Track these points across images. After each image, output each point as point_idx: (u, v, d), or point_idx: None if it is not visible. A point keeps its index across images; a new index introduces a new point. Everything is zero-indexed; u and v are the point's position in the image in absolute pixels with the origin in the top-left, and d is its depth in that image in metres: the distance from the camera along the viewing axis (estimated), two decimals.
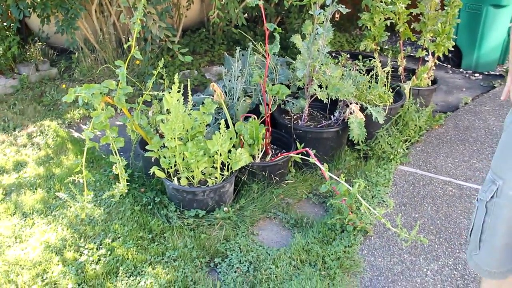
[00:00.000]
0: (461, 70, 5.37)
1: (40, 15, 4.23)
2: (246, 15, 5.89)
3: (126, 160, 3.15)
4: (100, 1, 4.76)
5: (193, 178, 2.62)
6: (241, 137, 2.80)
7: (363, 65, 3.55)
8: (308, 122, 3.25)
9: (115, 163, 2.27)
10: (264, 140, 2.88)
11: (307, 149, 2.70)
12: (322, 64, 2.83)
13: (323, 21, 2.84)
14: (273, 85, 3.24)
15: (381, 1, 3.60)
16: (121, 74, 2.25)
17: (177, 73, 4.63)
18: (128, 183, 2.79)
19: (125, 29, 5.07)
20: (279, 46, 2.79)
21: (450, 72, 5.34)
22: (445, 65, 5.48)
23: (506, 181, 1.45)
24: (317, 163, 2.60)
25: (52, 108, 4.25)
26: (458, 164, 3.34)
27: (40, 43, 5.22)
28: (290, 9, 5.04)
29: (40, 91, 4.55)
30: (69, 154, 3.44)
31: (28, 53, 4.97)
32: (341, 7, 2.71)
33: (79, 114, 4.10)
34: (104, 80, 4.60)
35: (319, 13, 2.73)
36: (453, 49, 3.92)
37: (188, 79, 4.61)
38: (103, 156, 3.34)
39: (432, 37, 3.81)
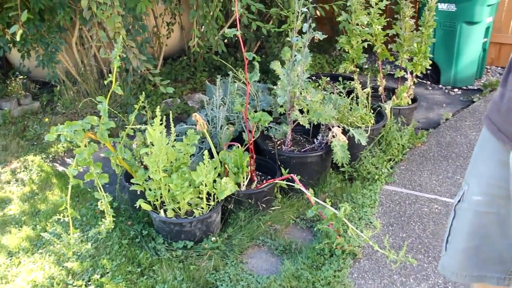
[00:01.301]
0: (440, 86, 5.45)
1: (21, 50, 4.24)
2: (226, 40, 5.95)
3: (111, 194, 3.16)
4: (81, 33, 4.79)
5: (180, 210, 2.61)
6: (226, 166, 2.80)
7: (343, 87, 3.60)
8: (292, 147, 3.27)
9: (100, 199, 2.26)
10: (249, 167, 2.89)
11: (292, 175, 2.72)
12: (302, 90, 2.86)
13: (301, 47, 2.88)
14: (255, 111, 3.27)
15: (357, 24, 3.66)
16: (102, 110, 2.26)
17: (159, 103, 4.69)
18: (114, 217, 2.78)
19: (106, 60, 5.09)
20: (259, 73, 2.83)
21: (430, 88, 5.43)
22: (425, 81, 5.56)
23: (470, 187, 1.53)
24: (303, 188, 2.61)
25: (35, 143, 4.22)
26: (442, 181, 3.37)
27: (21, 77, 5.21)
28: (269, 34, 5.11)
29: (22, 126, 4.53)
30: (54, 189, 3.41)
31: (9, 87, 4.95)
32: (318, 33, 2.75)
33: (63, 147, 4.08)
34: (87, 112, 4.63)
35: (297, 40, 2.78)
36: (430, 67, 3.99)
37: (171, 108, 4.68)
38: (89, 189, 3.32)
39: (409, 56, 3.89)
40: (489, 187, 1.46)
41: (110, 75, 2.32)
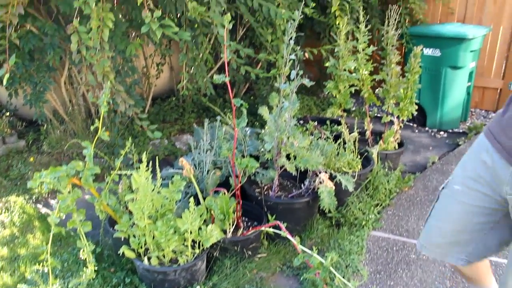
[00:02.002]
0: (426, 128, 5.51)
1: (8, 88, 4.22)
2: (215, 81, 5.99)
3: (95, 239, 3.10)
4: (70, 73, 4.79)
5: (164, 257, 2.56)
6: (212, 212, 2.77)
7: (330, 132, 3.61)
8: (279, 193, 3.25)
9: (82, 247, 2.21)
10: (235, 213, 2.86)
11: (278, 222, 2.69)
12: (289, 136, 2.87)
13: (289, 93, 2.90)
14: (242, 156, 3.26)
15: (345, 70, 3.72)
16: (88, 155, 2.24)
17: (147, 144, 4.67)
18: (97, 263, 2.72)
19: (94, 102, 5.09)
20: (248, 115, 2.84)
21: (416, 131, 5.48)
22: (411, 124, 5.62)
23: (454, 177, 1.79)
24: (289, 236, 2.58)
25: (19, 183, 4.16)
26: None
27: (7, 115, 5.17)
28: (258, 77, 5.17)
29: (6, 165, 4.46)
30: (36, 232, 3.34)
31: None
32: (306, 80, 2.78)
33: (51, 188, 4.02)
34: (74, 152, 4.58)
35: (285, 87, 2.80)
36: (416, 110, 4.03)
37: (159, 149, 4.66)
38: (72, 234, 3.25)
39: (395, 102, 3.94)
40: (468, 181, 1.70)
41: (97, 120, 2.31)
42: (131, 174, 2.45)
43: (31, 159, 4.52)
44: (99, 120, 2.38)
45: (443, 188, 1.85)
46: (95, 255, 2.92)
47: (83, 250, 2.20)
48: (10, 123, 5.09)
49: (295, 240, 2.57)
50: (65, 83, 4.79)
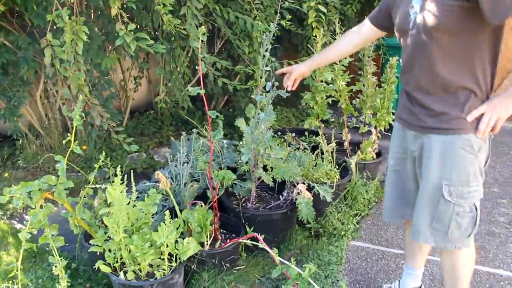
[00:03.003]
0: None
1: None
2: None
3: (71, 254, 3.05)
4: (46, 86, 4.73)
5: (141, 271, 2.52)
6: (189, 225, 2.74)
7: (308, 143, 3.62)
8: (257, 204, 3.24)
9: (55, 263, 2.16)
10: (213, 225, 2.84)
11: (256, 234, 2.67)
12: (266, 147, 2.86)
13: (265, 105, 2.90)
14: (220, 168, 3.25)
15: (322, 81, 3.73)
16: (60, 170, 2.20)
17: (125, 157, 4.63)
18: (73, 279, 2.67)
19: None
20: (226, 127, 2.83)
21: None
22: (389, 134, 5.64)
23: (389, 156, 2.36)
24: (267, 248, 2.57)
25: None
26: None
27: None
28: (236, 88, 5.17)
29: None
30: (10, 249, 3.27)
31: None
32: (281, 92, 2.78)
33: (22, 204, 3.94)
34: (50, 166, 4.51)
35: (260, 99, 2.80)
36: (393, 121, 4.06)
37: (136, 162, 4.62)
38: (47, 249, 3.18)
39: (373, 112, 3.96)
40: (396, 154, 2.27)
41: (69, 134, 2.28)
42: (105, 188, 2.42)
43: (6, 174, 4.43)
44: (74, 133, 2.35)
45: (386, 168, 2.38)
46: (71, 271, 2.87)
47: (56, 266, 2.15)
48: None
49: (273, 252, 2.55)
50: (40, 97, 4.73)
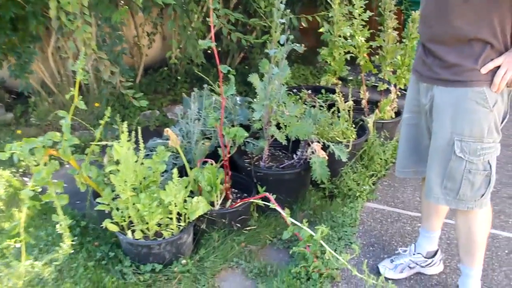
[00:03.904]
0: None
1: None
2: (209, 51, 5.83)
3: (81, 212, 3.02)
4: (57, 43, 4.63)
5: (148, 230, 2.47)
6: (199, 184, 2.67)
7: (324, 101, 3.48)
8: (270, 163, 3.15)
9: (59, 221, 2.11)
10: (224, 185, 2.76)
11: (267, 194, 2.59)
12: (279, 104, 2.74)
13: (279, 59, 2.77)
14: (232, 126, 3.15)
15: (340, 36, 3.56)
16: (64, 126, 2.12)
17: (137, 115, 4.55)
18: (82, 237, 2.64)
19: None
20: (242, 85, 2.70)
21: None
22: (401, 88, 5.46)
23: (404, 109, 2.29)
24: (278, 208, 2.49)
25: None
26: None
27: None
28: (252, 45, 5.00)
29: None
30: (21, 206, 3.25)
31: None
32: (296, 45, 2.64)
33: (23, 160, 3.91)
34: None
35: (274, 52, 2.66)
36: None
37: (149, 120, 4.54)
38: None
39: (392, 69, 3.79)
40: (411, 107, 2.21)
41: (72, 89, 2.19)
42: (112, 145, 2.34)
43: (19, 131, 4.40)
44: (78, 89, 2.26)
45: (402, 121, 2.32)
46: (80, 229, 2.83)
47: (60, 225, 2.10)
48: None
49: (284, 213, 2.47)
50: (52, 54, 4.63)
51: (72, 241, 2.69)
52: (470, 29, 1.81)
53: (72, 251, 2.63)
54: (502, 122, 1.94)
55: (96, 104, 4.52)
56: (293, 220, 2.44)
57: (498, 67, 1.82)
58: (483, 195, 1.98)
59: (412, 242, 2.78)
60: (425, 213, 2.46)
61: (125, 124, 2.32)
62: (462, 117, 1.89)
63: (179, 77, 5.51)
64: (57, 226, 2.14)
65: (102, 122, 2.36)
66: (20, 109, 4.81)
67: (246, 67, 5.87)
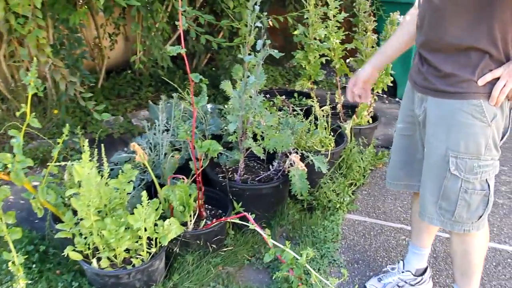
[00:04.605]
0: (397, 99, 5.29)
1: None
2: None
3: (40, 233, 2.75)
4: (10, 44, 4.29)
5: (116, 258, 2.23)
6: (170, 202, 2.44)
7: (300, 108, 3.30)
8: (245, 175, 2.94)
9: (10, 260, 1.85)
10: (197, 202, 2.55)
11: (246, 214, 2.39)
12: (255, 115, 2.54)
13: (254, 65, 2.57)
14: (203, 136, 2.94)
15: (315, 38, 3.39)
16: (16, 146, 1.87)
17: (100, 123, 4.27)
18: (41, 264, 2.40)
19: (41, 74, 4.62)
20: (209, 90, 2.50)
21: (387, 102, 5.26)
22: (381, 95, 5.37)
23: (398, 118, 2.13)
24: (258, 229, 2.29)
25: None
26: (407, 207, 3.14)
27: None
28: (220, 46, 4.80)
29: None
30: None
31: None
32: (274, 51, 2.45)
33: None
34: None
35: (250, 59, 2.46)
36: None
37: (113, 127, 4.27)
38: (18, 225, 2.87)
39: None
40: (405, 117, 2.06)
41: (23, 105, 1.93)
42: (72, 166, 2.09)
43: None
44: (29, 101, 2.01)
45: (395, 131, 2.16)
46: (39, 254, 2.57)
47: (12, 263, 1.84)
48: None
49: (265, 234, 2.28)
50: (5, 57, 4.29)
51: (30, 268, 2.44)
52: (466, 36, 1.65)
53: (30, 281, 2.38)
54: (502, 139, 1.79)
55: (55, 111, 4.22)
56: (275, 242, 2.25)
57: (497, 78, 1.67)
58: (480, 216, 1.83)
59: (398, 256, 2.64)
60: (416, 229, 2.31)
61: (86, 142, 2.07)
62: (457, 132, 1.74)
63: (143, 81, 5.24)
64: (9, 264, 1.87)
65: (59, 140, 2.10)
66: None
67: (213, 68, 5.65)
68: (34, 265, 2.48)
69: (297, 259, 2.16)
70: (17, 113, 1.94)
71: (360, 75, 2.22)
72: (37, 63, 1.86)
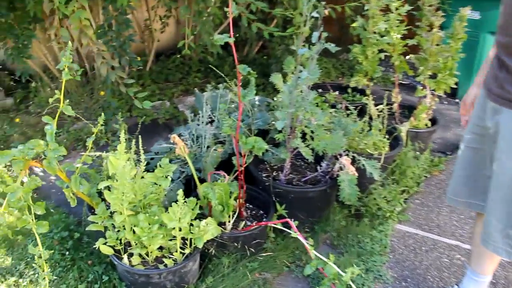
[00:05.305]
0: (456, 100, 4.95)
1: None
2: None
3: (74, 220, 2.68)
4: (61, 25, 4.26)
5: (148, 256, 2.12)
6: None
7: (350, 102, 3.07)
8: (290, 175, 2.76)
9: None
10: (237, 201, 2.39)
11: (288, 220, 2.21)
12: (306, 113, 2.35)
13: (307, 58, 2.37)
14: (249, 130, 2.77)
15: (375, 32, 3.14)
16: (49, 133, 1.76)
17: (140, 116, 4.17)
18: (74, 252, 2.31)
19: (89, 55, 4.57)
20: (258, 78, 2.32)
21: (445, 102, 4.93)
22: (440, 94, 5.04)
23: (467, 127, 1.90)
24: (301, 238, 2.12)
25: (2, 146, 3.71)
26: (464, 222, 2.88)
27: None
28: (272, 34, 4.60)
29: None
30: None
31: None
32: (330, 45, 2.24)
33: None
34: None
35: (304, 52, 2.26)
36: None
37: (158, 112, 4.17)
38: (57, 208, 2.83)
39: (431, 73, 3.35)
40: (474, 127, 1.83)
41: (57, 91, 1.81)
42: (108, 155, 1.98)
43: (17, 119, 4.06)
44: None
45: (461, 142, 1.94)
46: (73, 241, 2.49)
47: (38, 257, 1.74)
48: None
49: (308, 244, 2.10)
50: (56, 35, 4.25)
51: (64, 255, 2.37)
52: None
53: (62, 268, 2.30)
54: None
55: (101, 93, 4.16)
56: (318, 254, 2.07)
57: None
58: None
59: (451, 278, 2.41)
60: (476, 253, 2.07)
61: (123, 132, 1.94)
62: None
63: (192, 66, 5.12)
64: (35, 258, 1.78)
65: (95, 129, 1.98)
66: (21, 95, 4.47)
67: (265, 57, 5.47)
68: (67, 252, 2.41)
69: (340, 275, 1.97)
70: (50, 100, 1.83)
71: (467, 101, 2.02)
72: (76, 46, 1.73)
